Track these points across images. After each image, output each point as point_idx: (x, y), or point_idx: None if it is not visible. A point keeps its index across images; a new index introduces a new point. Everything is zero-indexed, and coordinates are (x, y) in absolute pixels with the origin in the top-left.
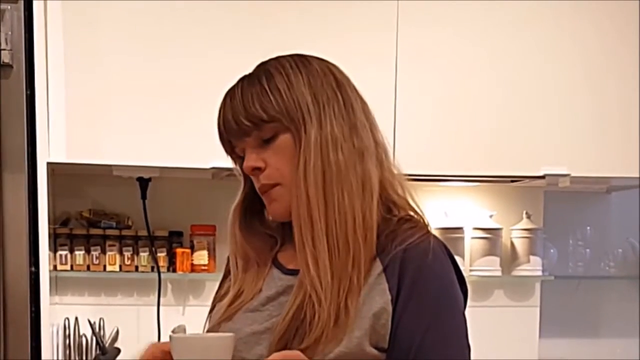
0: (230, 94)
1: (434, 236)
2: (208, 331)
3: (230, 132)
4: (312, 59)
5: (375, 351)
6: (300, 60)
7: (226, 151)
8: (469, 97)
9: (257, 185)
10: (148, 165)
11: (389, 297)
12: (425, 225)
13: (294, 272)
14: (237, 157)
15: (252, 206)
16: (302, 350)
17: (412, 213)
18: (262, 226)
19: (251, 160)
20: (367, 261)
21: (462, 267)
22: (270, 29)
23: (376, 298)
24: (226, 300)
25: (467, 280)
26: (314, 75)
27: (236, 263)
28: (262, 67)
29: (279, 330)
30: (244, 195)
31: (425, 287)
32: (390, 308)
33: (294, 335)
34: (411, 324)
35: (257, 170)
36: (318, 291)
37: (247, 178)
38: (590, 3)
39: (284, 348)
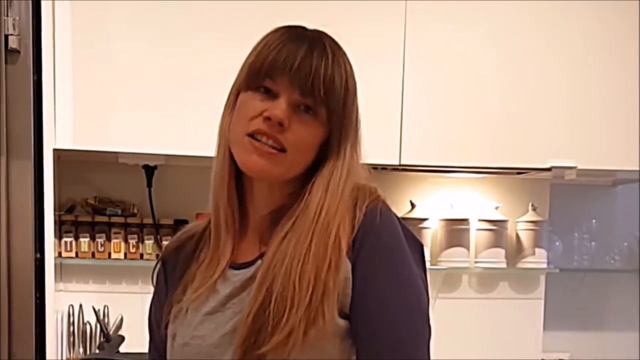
0: (318, 48)
1: (383, 200)
2: (173, 337)
3: (296, 79)
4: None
5: (342, 321)
6: (350, 63)
7: (254, 74)
8: (476, 89)
9: (261, 128)
10: (154, 152)
11: (349, 266)
12: (375, 191)
13: (246, 265)
14: (253, 87)
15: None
16: (266, 353)
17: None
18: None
19: (283, 112)
20: (340, 263)
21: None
22: (277, 21)
23: (340, 270)
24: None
25: (471, 271)
26: (355, 89)
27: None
28: (339, 49)
29: (241, 333)
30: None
31: (373, 246)
32: (351, 276)
33: (254, 339)
34: (364, 282)
35: (281, 126)
36: (292, 292)
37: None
38: (596, 1)
39: (248, 349)
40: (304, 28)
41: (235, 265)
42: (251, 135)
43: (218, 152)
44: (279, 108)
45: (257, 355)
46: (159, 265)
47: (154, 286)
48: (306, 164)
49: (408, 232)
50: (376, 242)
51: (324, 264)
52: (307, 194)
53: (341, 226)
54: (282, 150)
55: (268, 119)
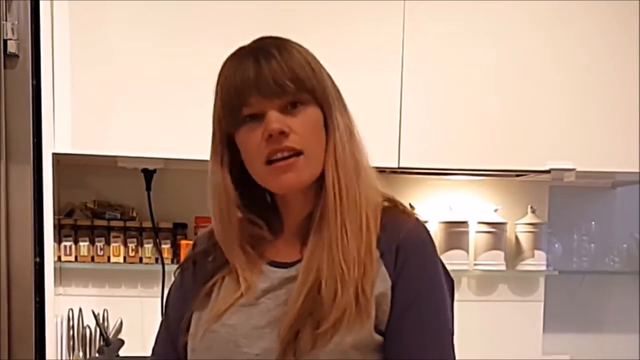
0: (263, 54)
1: (423, 224)
2: (194, 332)
3: (262, 89)
4: None
5: (378, 336)
6: (295, 42)
7: (230, 113)
8: (475, 91)
9: (272, 148)
10: (153, 156)
11: (389, 283)
12: (412, 212)
13: (287, 265)
14: (241, 123)
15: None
16: (317, 337)
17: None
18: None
19: (278, 123)
20: (374, 249)
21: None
22: (276, 22)
23: (378, 283)
24: (221, 299)
25: (470, 274)
26: (315, 58)
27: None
28: (282, 41)
29: (290, 317)
30: (231, 179)
31: (415, 272)
32: (389, 293)
33: (305, 322)
34: (401, 303)
35: (282, 134)
36: (340, 271)
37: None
38: (596, 2)
39: (296, 335)
40: (242, 47)
41: (274, 263)
42: (269, 161)
43: (217, 206)
44: (272, 122)
45: (309, 336)
46: (189, 262)
47: (175, 276)
48: (323, 149)
49: (444, 266)
50: (419, 270)
51: (361, 245)
52: (323, 179)
53: (369, 208)
54: (299, 153)
55: (270, 136)
